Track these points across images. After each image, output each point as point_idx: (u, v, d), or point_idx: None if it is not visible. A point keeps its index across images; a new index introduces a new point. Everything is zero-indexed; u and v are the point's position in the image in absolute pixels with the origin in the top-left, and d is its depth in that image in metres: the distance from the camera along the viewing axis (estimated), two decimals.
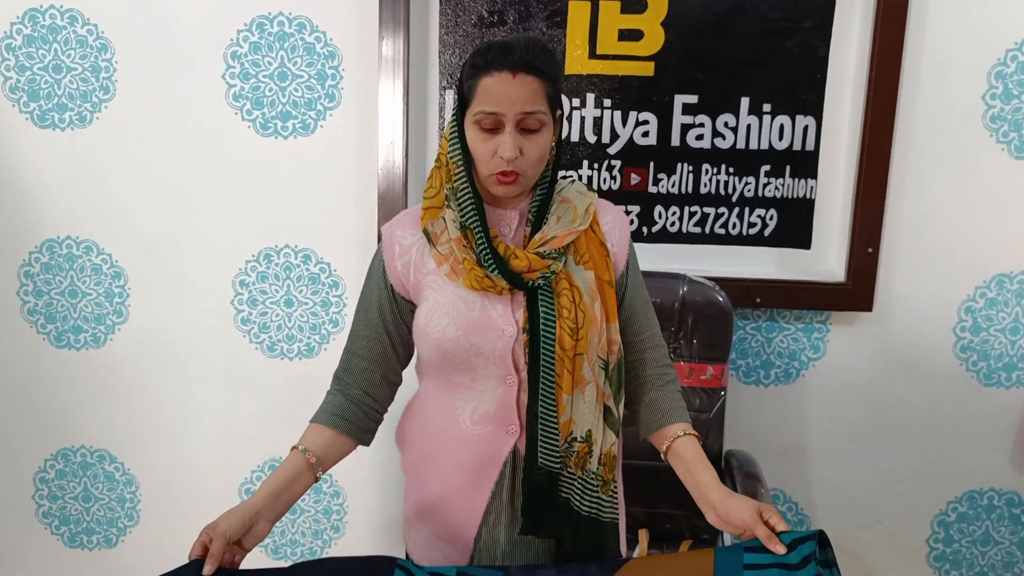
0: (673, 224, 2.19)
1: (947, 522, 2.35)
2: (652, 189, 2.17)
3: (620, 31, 2.09)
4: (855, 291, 2.17)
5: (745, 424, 2.27)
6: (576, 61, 2.11)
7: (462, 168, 1.31)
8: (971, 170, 2.14)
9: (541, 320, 1.31)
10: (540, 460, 1.33)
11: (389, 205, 2.11)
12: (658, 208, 2.18)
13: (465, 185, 1.31)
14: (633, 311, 1.43)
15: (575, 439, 1.36)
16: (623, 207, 2.16)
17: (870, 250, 2.14)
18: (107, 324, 2.29)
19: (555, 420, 1.33)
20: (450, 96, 2.14)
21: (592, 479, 1.39)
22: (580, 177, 2.16)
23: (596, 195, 1.41)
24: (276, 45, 2.12)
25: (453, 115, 1.32)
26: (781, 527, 1.22)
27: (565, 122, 2.10)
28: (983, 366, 2.25)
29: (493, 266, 1.29)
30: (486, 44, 1.29)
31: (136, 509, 2.41)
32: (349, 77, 2.14)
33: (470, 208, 1.31)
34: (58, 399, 2.34)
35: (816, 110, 2.12)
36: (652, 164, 2.15)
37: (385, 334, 1.40)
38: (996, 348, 2.23)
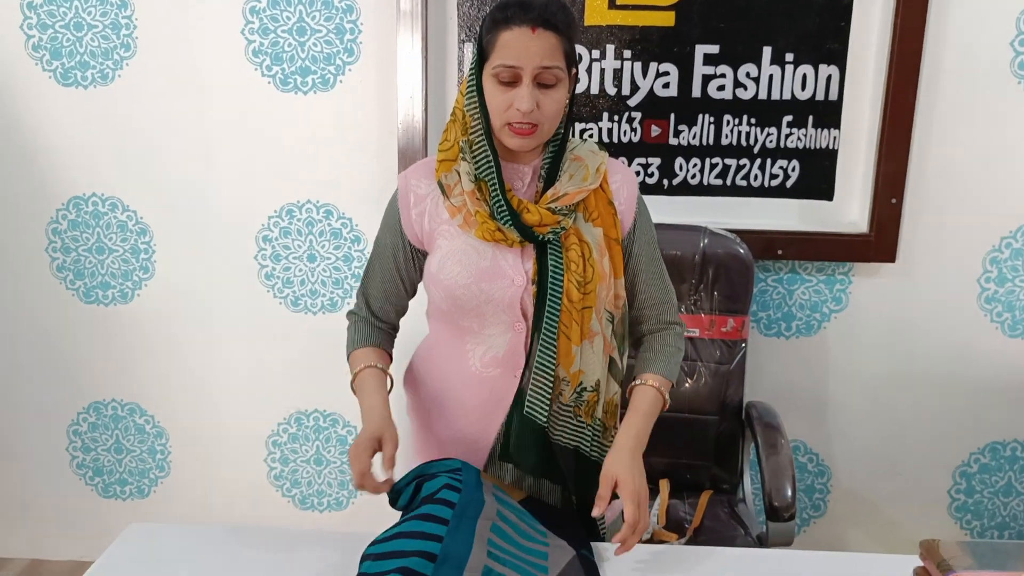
0: (694, 176, 2.17)
1: (969, 473, 2.36)
2: (673, 141, 2.15)
3: None
4: (878, 242, 2.15)
5: (766, 376, 2.28)
6: (596, 11, 2.08)
7: (479, 121, 1.33)
8: (998, 118, 2.10)
9: (550, 273, 1.34)
10: (527, 404, 1.36)
11: (409, 159, 2.12)
12: (679, 160, 2.16)
13: (481, 139, 1.33)
14: (638, 269, 1.45)
15: (585, 389, 1.39)
16: (644, 159, 2.16)
17: (893, 201, 2.12)
18: (134, 280, 2.33)
19: (552, 368, 1.36)
20: (469, 49, 2.13)
21: (597, 425, 1.43)
22: (600, 129, 2.15)
23: (607, 154, 1.44)
24: None
25: (471, 69, 1.34)
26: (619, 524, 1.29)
27: (579, 79, 2.08)
28: (1008, 317, 2.23)
29: (507, 219, 1.32)
30: None
31: (167, 460, 2.47)
32: (368, 31, 2.13)
33: (485, 161, 1.33)
34: (89, 354, 2.39)
35: (840, 59, 2.09)
36: (673, 116, 2.13)
37: (399, 279, 1.47)
38: (1021, 299, 2.21)
